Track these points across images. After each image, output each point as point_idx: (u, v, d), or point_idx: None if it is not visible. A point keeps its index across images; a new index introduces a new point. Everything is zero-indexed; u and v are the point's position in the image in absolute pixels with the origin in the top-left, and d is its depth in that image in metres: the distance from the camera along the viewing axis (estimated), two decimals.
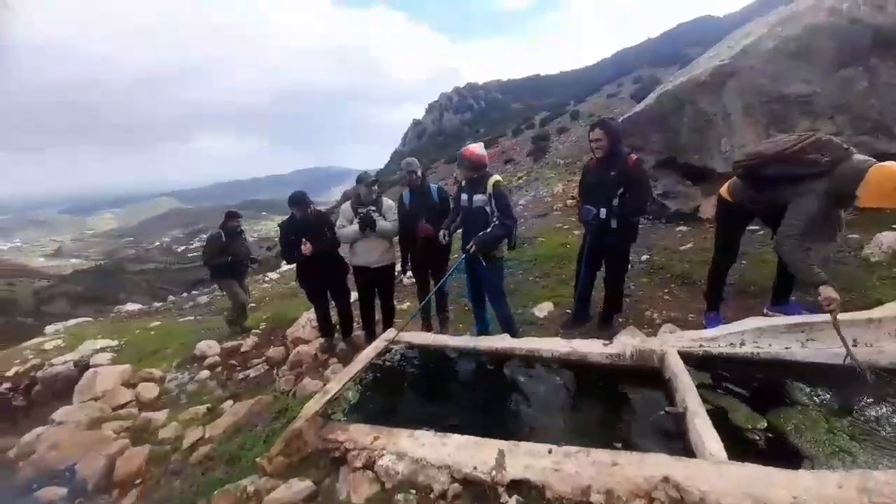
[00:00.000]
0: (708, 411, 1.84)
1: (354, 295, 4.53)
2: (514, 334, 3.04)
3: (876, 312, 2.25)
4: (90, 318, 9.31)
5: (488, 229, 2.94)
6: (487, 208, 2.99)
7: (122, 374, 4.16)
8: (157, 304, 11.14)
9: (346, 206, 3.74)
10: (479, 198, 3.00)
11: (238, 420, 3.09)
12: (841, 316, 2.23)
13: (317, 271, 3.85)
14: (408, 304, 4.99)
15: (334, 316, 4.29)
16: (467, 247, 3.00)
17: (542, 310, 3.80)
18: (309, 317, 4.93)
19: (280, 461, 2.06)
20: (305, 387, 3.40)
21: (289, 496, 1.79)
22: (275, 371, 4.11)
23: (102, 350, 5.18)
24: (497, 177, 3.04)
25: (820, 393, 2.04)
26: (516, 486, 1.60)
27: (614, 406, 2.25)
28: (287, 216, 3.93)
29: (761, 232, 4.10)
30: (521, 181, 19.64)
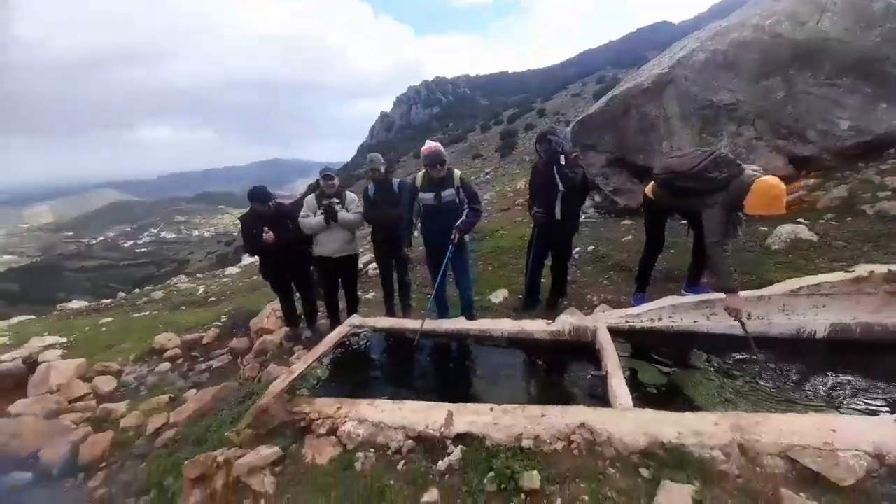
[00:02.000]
0: (627, 373, 2.19)
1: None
2: (470, 317, 3.31)
3: (766, 291, 2.70)
4: (33, 316, 8.73)
5: (463, 216, 3.20)
6: (457, 199, 3.25)
7: (77, 369, 4.05)
8: (105, 301, 10.61)
9: (311, 197, 3.85)
10: (448, 192, 3.22)
11: (203, 406, 3.16)
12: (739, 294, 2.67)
13: (281, 262, 3.93)
14: (372, 293, 5.15)
15: (299, 307, 4.39)
16: (451, 237, 3.18)
17: (498, 296, 4.10)
18: (273, 308, 4.98)
19: (248, 433, 2.21)
20: (271, 373, 3.51)
21: (257, 460, 1.95)
22: (239, 360, 4.16)
23: (51, 346, 4.96)
24: (458, 171, 3.30)
25: (717, 357, 2.45)
26: (461, 438, 1.85)
27: (554, 373, 2.58)
28: (247, 209, 3.98)
29: (684, 222, 4.61)
30: (488, 176, 20.07)
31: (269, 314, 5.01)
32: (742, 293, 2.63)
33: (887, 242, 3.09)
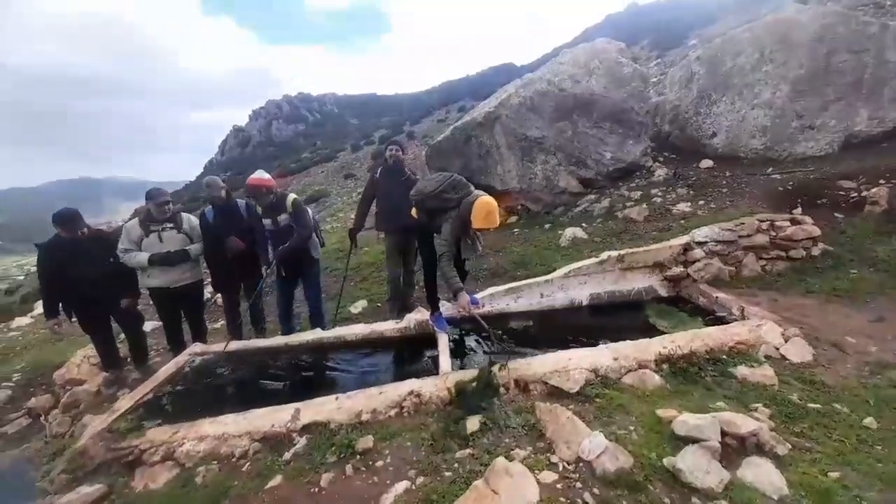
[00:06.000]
0: (453, 350, 2.72)
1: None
2: (324, 328, 3.46)
3: (550, 276, 3.64)
4: None
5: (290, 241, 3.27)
6: (291, 224, 3.36)
7: None
8: None
9: (132, 224, 3.31)
10: (283, 217, 3.35)
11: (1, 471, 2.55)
12: (533, 280, 3.53)
13: (95, 296, 3.29)
14: (221, 323, 4.79)
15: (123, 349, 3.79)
16: (273, 259, 3.29)
17: (358, 307, 4.35)
18: (86, 354, 4.19)
19: (64, 479, 1.96)
20: (86, 424, 3.00)
21: (78, 499, 1.77)
22: (43, 418, 3.40)
23: None
24: (293, 195, 3.45)
25: (520, 325, 3.21)
26: (307, 428, 2.05)
27: (403, 361, 2.97)
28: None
29: (516, 230, 5.70)
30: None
31: (80, 362, 4.17)
32: (540, 278, 3.51)
33: (626, 236, 4.49)
